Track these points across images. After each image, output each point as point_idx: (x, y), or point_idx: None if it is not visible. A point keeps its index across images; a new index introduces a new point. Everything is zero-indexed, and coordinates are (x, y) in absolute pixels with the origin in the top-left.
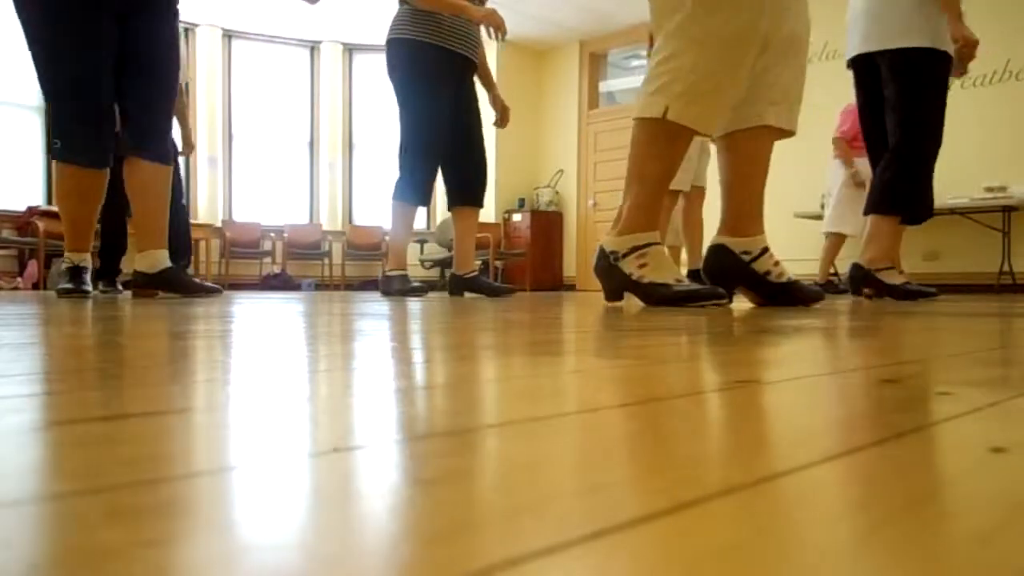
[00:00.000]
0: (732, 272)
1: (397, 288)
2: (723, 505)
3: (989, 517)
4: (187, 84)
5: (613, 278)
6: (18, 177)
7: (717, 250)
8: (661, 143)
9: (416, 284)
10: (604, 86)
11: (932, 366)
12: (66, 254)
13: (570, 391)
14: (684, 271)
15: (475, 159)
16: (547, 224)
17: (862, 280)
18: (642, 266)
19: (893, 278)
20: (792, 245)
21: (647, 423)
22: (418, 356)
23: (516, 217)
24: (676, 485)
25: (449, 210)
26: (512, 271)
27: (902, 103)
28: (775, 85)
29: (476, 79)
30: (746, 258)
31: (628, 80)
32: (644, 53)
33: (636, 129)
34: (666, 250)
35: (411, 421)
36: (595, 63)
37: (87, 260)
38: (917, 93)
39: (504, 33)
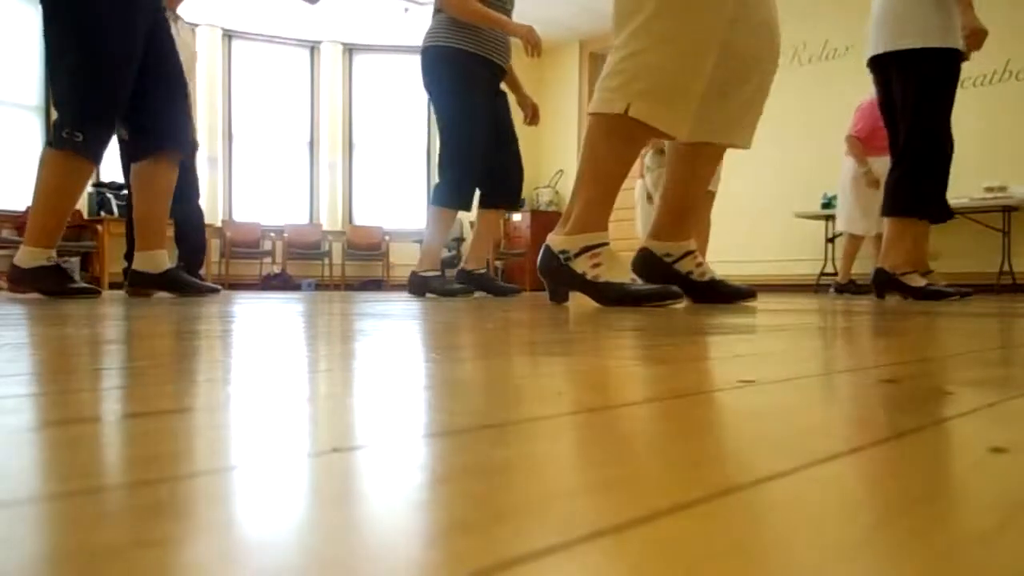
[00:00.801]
0: (657, 272)
1: (439, 288)
2: (723, 505)
3: (989, 517)
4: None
5: (563, 278)
6: (18, 177)
7: (641, 253)
8: (618, 141)
9: (457, 285)
10: None
11: (932, 366)
12: (42, 249)
13: (570, 391)
14: None
15: (511, 162)
16: (547, 224)
17: (886, 284)
18: (595, 266)
19: (915, 281)
20: (792, 245)
21: (647, 423)
22: (419, 356)
23: (516, 217)
24: (676, 485)
25: (481, 208)
26: (512, 271)
27: (911, 104)
28: (738, 103)
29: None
30: (668, 260)
31: None
32: None
33: (592, 126)
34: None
35: (411, 421)
36: (595, 63)
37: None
38: (927, 93)
39: (539, 52)
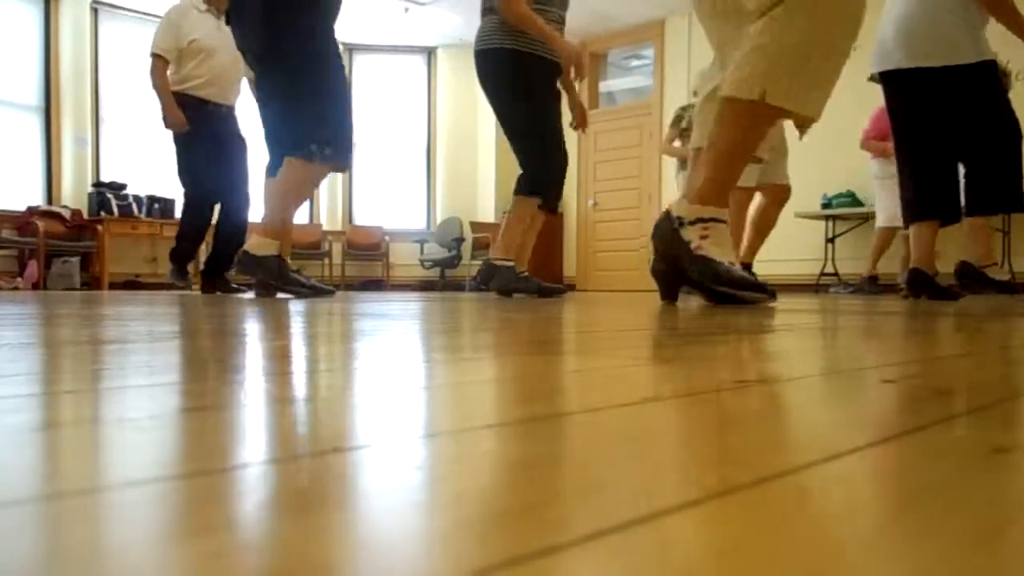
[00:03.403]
0: (662, 235)
1: (508, 282)
2: (723, 505)
3: (990, 517)
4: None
5: (670, 243)
6: (18, 177)
7: (664, 213)
8: (749, 125)
9: (532, 283)
10: (604, 86)
11: (932, 366)
12: (278, 245)
13: (571, 391)
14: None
15: (557, 158)
16: (547, 224)
17: (973, 278)
18: (704, 237)
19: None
20: (792, 245)
21: (647, 423)
22: (419, 356)
23: None
24: (676, 485)
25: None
26: None
27: (977, 114)
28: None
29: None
30: (676, 223)
31: (628, 80)
32: (644, 53)
33: (724, 108)
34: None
35: (411, 421)
36: (595, 63)
37: None
38: (986, 103)
39: (583, 77)
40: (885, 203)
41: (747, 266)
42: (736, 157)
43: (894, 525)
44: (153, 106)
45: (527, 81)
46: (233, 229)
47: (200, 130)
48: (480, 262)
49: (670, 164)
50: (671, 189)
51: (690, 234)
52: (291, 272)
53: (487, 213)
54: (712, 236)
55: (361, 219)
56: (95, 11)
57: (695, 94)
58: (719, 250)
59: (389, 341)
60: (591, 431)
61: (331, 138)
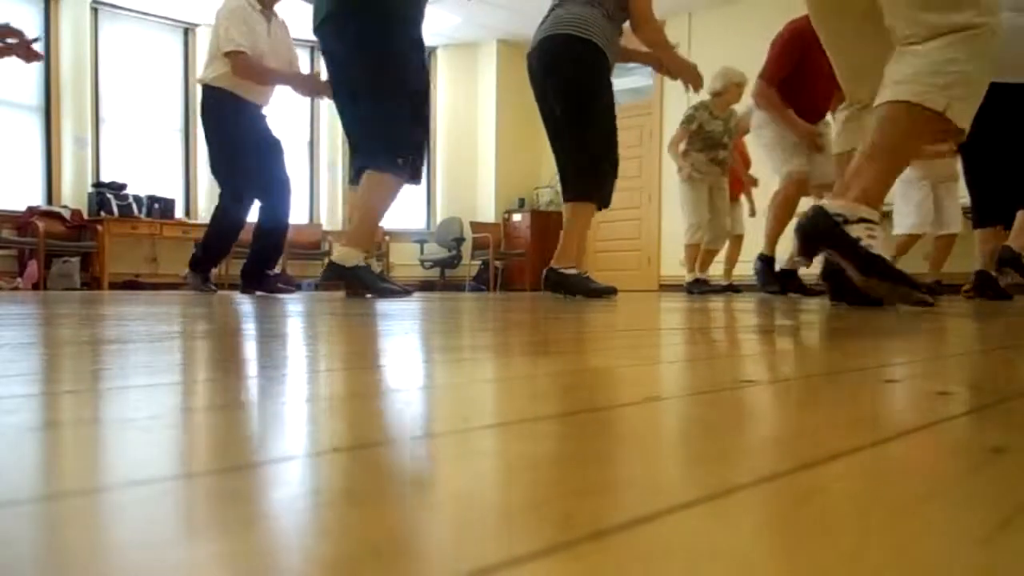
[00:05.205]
0: (820, 232)
1: (592, 288)
2: (723, 505)
3: (990, 518)
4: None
5: (831, 239)
6: (18, 177)
7: (814, 209)
8: (918, 132)
9: (604, 285)
10: None
11: (933, 366)
12: (363, 256)
13: (571, 390)
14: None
15: (613, 156)
16: (547, 224)
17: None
18: (871, 236)
19: None
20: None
21: (647, 423)
22: (420, 356)
23: (516, 217)
24: (676, 485)
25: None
26: (512, 271)
27: None
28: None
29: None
30: (838, 220)
31: (628, 80)
32: None
33: (902, 111)
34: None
35: (411, 421)
36: None
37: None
38: None
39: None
40: (903, 208)
41: (769, 259)
42: (901, 160)
43: (894, 525)
44: (152, 106)
45: (608, 84)
46: (272, 227)
47: (238, 126)
48: (479, 262)
49: (670, 163)
50: (672, 189)
51: (857, 231)
52: (378, 276)
53: (487, 213)
54: (879, 235)
55: None
56: (95, 11)
57: (716, 94)
58: (883, 250)
59: (389, 341)
60: (592, 431)
61: (412, 149)
